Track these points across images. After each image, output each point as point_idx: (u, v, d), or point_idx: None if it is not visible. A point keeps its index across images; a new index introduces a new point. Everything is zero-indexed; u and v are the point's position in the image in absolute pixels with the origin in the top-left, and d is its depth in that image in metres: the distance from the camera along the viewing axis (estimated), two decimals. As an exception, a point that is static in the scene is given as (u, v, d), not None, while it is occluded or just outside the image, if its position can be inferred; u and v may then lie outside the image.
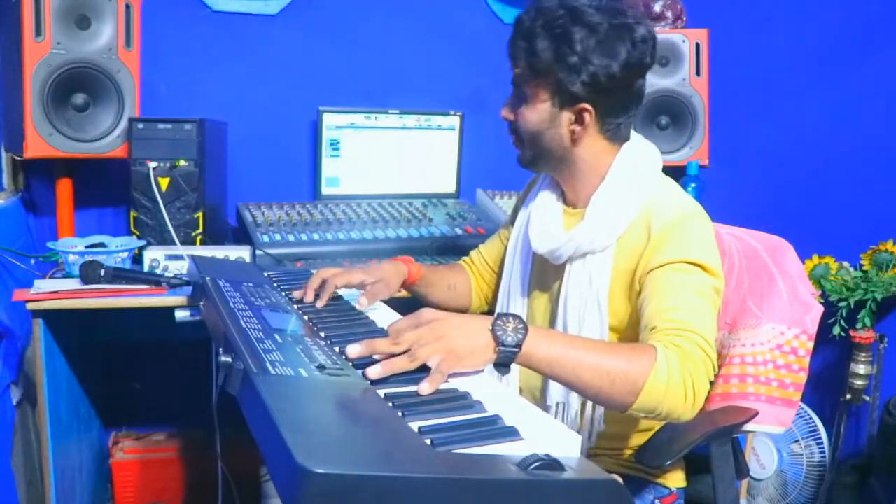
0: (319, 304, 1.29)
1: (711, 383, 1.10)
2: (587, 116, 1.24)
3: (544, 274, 1.39)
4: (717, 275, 1.19)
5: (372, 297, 1.34)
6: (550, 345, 1.02)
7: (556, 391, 1.30)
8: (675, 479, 1.36)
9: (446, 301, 1.56)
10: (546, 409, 1.31)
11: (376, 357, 0.96)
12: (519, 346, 1.00)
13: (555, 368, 1.03)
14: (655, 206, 1.24)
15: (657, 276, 1.18)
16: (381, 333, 1.13)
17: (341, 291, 1.39)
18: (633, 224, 1.25)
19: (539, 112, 1.25)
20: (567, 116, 1.25)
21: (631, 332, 1.27)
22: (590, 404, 1.30)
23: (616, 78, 1.20)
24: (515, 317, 1.02)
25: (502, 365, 1.01)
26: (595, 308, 1.27)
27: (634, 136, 1.34)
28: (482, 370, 1.00)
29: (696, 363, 1.06)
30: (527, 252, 1.42)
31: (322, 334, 1.11)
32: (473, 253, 1.64)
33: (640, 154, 1.31)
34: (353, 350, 0.97)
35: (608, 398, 1.04)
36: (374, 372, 0.92)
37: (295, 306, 1.28)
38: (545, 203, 1.38)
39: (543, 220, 1.36)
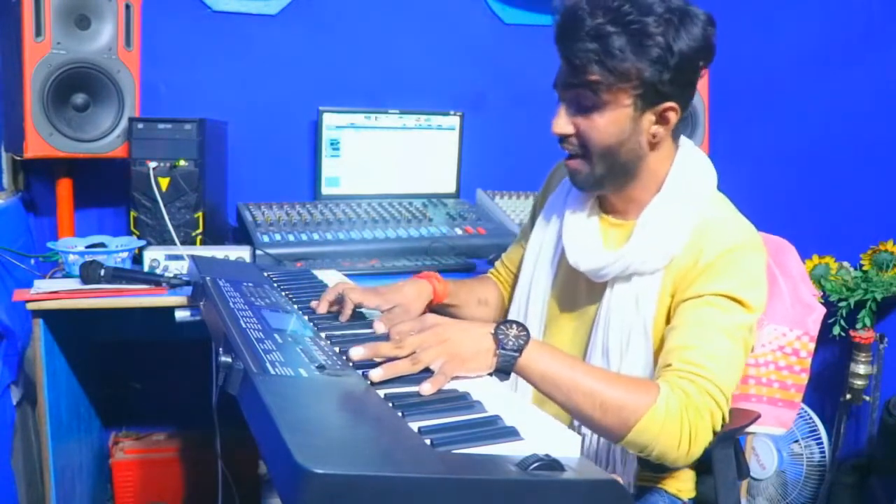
0: (342, 320, 1.21)
1: (716, 433, 1.03)
2: (672, 115, 1.12)
3: (572, 285, 1.28)
4: (757, 310, 1.10)
5: (389, 322, 1.15)
6: (550, 360, 1.01)
7: None
8: (687, 490, 1.31)
9: (477, 317, 1.43)
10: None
11: (377, 360, 0.95)
12: (519, 351, 1.00)
13: (548, 385, 1.01)
14: (709, 229, 1.13)
15: (690, 307, 1.09)
16: (382, 334, 1.13)
17: None
18: (685, 246, 1.14)
19: (619, 120, 1.10)
20: (648, 119, 1.11)
21: None
22: None
23: (696, 67, 1.10)
24: (519, 324, 1.01)
25: (502, 371, 1.00)
26: (641, 334, 1.16)
27: (687, 141, 1.22)
28: (484, 375, 1.00)
29: (701, 412, 1.01)
30: (553, 258, 1.31)
31: (322, 334, 1.11)
32: (498, 263, 1.54)
33: (696, 164, 1.20)
34: (357, 353, 0.96)
35: (599, 426, 1.02)
36: (376, 375, 0.92)
37: (296, 306, 1.28)
38: (581, 211, 1.24)
39: (581, 233, 1.22)
